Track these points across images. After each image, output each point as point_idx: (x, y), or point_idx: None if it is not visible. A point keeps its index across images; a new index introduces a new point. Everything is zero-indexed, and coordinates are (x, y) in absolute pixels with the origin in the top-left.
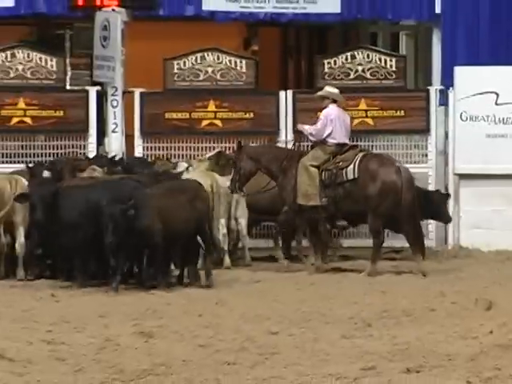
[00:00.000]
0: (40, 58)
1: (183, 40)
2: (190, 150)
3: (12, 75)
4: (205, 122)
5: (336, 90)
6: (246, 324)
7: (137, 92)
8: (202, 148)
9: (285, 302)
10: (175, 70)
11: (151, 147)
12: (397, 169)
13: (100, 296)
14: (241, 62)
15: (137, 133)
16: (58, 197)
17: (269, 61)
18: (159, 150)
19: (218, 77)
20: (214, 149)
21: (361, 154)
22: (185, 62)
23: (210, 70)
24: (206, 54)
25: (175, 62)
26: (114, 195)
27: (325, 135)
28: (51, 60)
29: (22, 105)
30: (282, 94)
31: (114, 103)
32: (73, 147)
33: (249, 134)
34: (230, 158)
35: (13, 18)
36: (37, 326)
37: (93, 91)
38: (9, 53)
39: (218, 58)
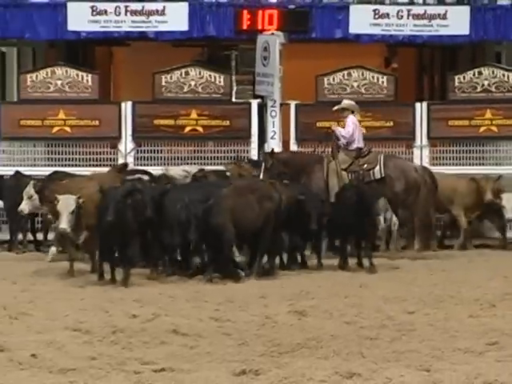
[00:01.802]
0: (210, 75)
1: (332, 59)
2: None
3: (186, 90)
4: None
5: (353, 103)
6: (386, 304)
7: (292, 104)
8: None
9: (420, 285)
10: (325, 85)
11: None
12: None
13: (260, 280)
14: (382, 77)
15: (292, 139)
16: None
17: (406, 77)
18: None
19: (363, 90)
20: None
21: (382, 156)
22: (334, 78)
23: (355, 84)
24: (352, 71)
25: (325, 78)
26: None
27: (353, 139)
28: (219, 77)
29: (194, 115)
30: (417, 105)
31: (273, 114)
32: (237, 152)
33: (389, 139)
34: None
35: (187, 40)
36: (206, 305)
37: (255, 103)
38: (183, 71)
39: (363, 75)
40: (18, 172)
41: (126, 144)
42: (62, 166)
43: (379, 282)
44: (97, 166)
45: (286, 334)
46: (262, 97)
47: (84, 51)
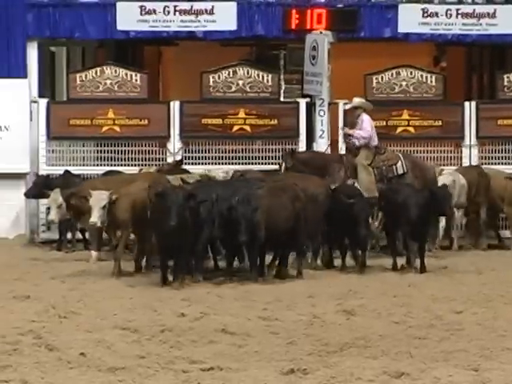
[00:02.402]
0: (258, 75)
1: (380, 58)
2: None
3: (234, 89)
4: (399, 129)
5: (364, 100)
6: (435, 304)
7: (341, 103)
8: (397, 151)
9: (468, 284)
10: (374, 84)
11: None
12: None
13: (308, 279)
14: (431, 76)
15: (340, 138)
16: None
17: (455, 76)
18: None
19: (411, 89)
20: (407, 152)
21: (400, 154)
22: (382, 77)
23: (403, 83)
24: (400, 70)
25: (374, 77)
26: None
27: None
28: (267, 76)
29: (242, 114)
30: (466, 104)
31: (321, 113)
32: (285, 151)
33: (437, 139)
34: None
35: (235, 40)
36: (254, 305)
37: (303, 103)
38: (231, 70)
39: (411, 74)
40: (67, 171)
41: (174, 143)
42: (111, 165)
43: (428, 282)
44: (145, 165)
45: (335, 334)
46: (310, 96)
47: (133, 51)
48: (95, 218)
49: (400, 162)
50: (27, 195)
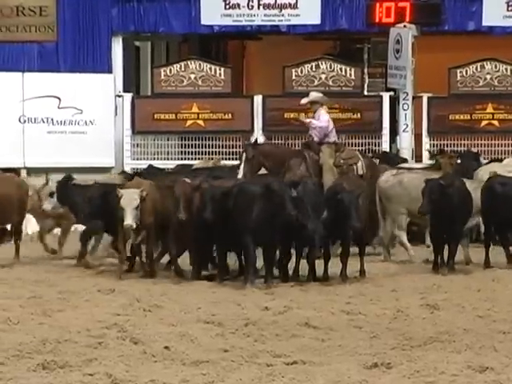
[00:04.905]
0: (341, 68)
1: (464, 51)
2: (471, 146)
3: (316, 83)
4: (484, 122)
5: (321, 95)
6: None
7: (425, 96)
8: (481, 145)
9: None
10: (458, 78)
11: (437, 144)
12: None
13: (393, 275)
14: None
15: (424, 132)
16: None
17: None
18: (444, 146)
19: (496, 83)
20: (492, 146)
21: (358, 152)
22: (466, 71)
23: (488, 77)
24: (484, 64)
25: (458, 71)
26: None
27: (328, 131)
28: (350, 70)
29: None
30: None
31: (405, 106)
32: (368, 145)
33: None
34: None
35: (319, 34)
36: (338, 298)
37: (386, 96)
38: (314, 64)
39: (496, 67)
40: (150, 166)
41: (258, 137)
42: (195, 159)
43: None
44: (229, 159)
45: (418, 328)
46: (394, 90)
47: (217, 45)
48: (129, 220)
49: (360, 161)
50: None
